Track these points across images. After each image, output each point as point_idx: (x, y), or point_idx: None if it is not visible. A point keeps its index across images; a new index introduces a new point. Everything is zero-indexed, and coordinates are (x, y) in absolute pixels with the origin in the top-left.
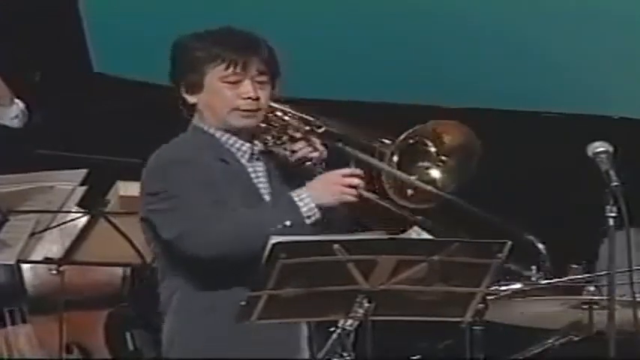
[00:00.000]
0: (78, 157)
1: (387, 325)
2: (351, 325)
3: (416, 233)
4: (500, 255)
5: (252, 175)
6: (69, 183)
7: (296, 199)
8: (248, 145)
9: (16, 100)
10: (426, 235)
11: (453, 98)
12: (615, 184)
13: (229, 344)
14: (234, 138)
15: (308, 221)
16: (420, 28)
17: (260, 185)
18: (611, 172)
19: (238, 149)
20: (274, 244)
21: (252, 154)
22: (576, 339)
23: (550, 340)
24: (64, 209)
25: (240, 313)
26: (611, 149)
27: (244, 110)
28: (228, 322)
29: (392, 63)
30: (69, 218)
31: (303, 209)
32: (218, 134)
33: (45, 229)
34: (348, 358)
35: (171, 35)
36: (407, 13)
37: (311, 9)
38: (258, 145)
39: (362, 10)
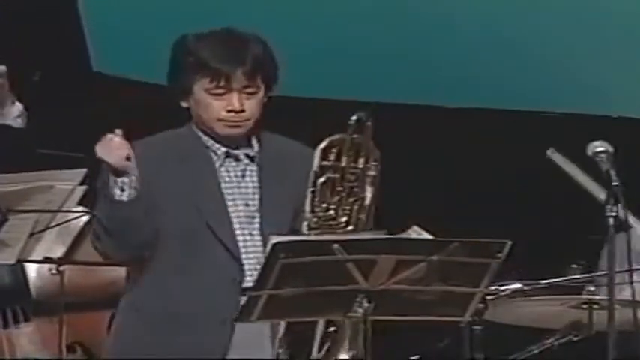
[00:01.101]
0: (78, 156)
1: (386, 324)
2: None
3: (416, 233)
4: (499, 254)
5: (227, 179)
6: (69, 183)
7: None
8: (223, 150)
9: (17, 103)
10: (425, 235)
11: (453, 98)
12: (615, 184)
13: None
14: (211, 141)
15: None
16: (419, 28)
17: (227, 191)
18: (611, 172)
19: (214, 152)
20: (274, 244)
21: (226, 157)
22: (576, 339)
23: (550, 340)
24: (64, 209)
25: (239, 313)
26: (611, 149)
27: (229, 122)
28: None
29: (391, 62)
30: (69, 218)
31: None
32: (200, 133)
33: (45, 229)
34: (347, 358)
35: (171, 35)
36: (406, 12)
37: (309, 9)
38: (254, 149)
39: (361, 10)
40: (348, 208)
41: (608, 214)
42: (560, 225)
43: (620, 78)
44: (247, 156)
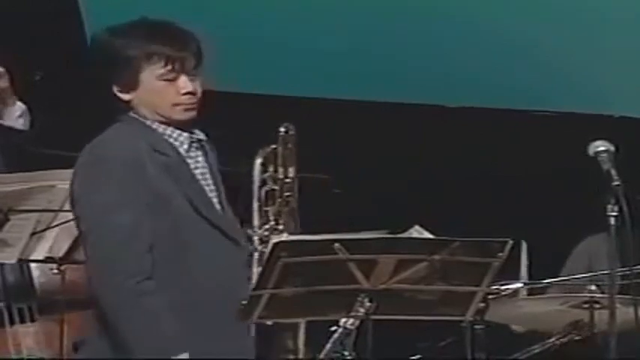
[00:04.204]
0: (78, 156)
1: (387, 324)
2: (352, 325)
3: (417, 232)
4: (500, 254)
5: (192, 167)
6: (69, 182)
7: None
8: (186, 134)
9: (18, 102)
10: (426, 234)
11: (453, 98)
12: (616, 183)
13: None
14: (170, 128)
15: None
16: (419, 28)
17: (200, 177)
18: (613, 172)
19: (176, 139)
20: (275, 243)
21: (191, 143)
22: (577, 339)
23: (550, 340)
24: (65, 208)
25: (241, 313)
26: (612, 148)
27: (186, 104)
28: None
29: (390, 62)
30: (70, 217)
31: None
32: (154, 125)
33: (46, 229)
34: (348, 357)
35: None
36: (405, 12)
37: (308, 8)
38: (199, 134)
39: (359, 9)
40: (282, 216)
41: (609, 213)
42: (560, 224)
43: (622, 78)
44: (199, 140)
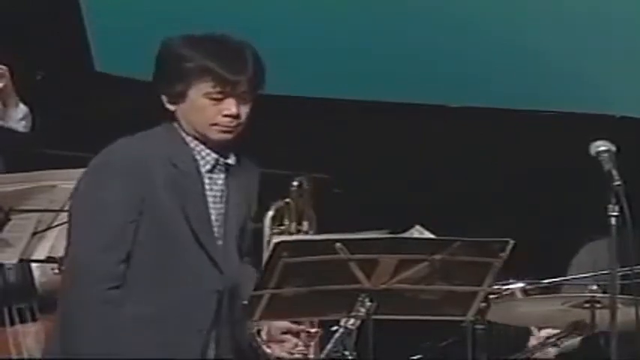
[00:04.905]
0: (79, 156)
1: (388, 324)
2: (353, 325)
3: (418, 232)
4: (502, 254)
5: (207, 187)
6: (71, 182)
7: None
8: (214, 155)
9: (21, 105)
10: (427, 234)
11: (454, 98)
12: (617, 183)
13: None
14: (201, 146)
15: None
16: (419, 28)
17: (210, 199)
18: (614, 172)
19: (203, 157)
20: (277, 243)
21: (215, 165)
22: (578, 338)
23: (551, 340)
24: (66, 208)
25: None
26: (613, 148)
27: (224, 126)
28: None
29: (390, 62)
30: None
31: None
32: (188, 139)
33: (47, 228)
34: (349, 357)
35: (173, 34)
36: (405, 12)
37: (308, 8)
38: (230, 159)
39: (359, 9)
40: None
41: (610, 213)
42: (562, 224)
43: (623, 77)
44: (227, 164)
